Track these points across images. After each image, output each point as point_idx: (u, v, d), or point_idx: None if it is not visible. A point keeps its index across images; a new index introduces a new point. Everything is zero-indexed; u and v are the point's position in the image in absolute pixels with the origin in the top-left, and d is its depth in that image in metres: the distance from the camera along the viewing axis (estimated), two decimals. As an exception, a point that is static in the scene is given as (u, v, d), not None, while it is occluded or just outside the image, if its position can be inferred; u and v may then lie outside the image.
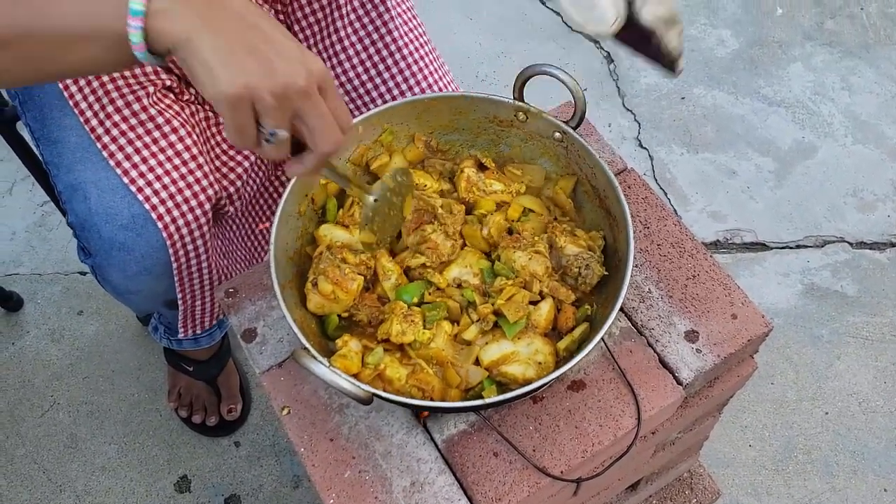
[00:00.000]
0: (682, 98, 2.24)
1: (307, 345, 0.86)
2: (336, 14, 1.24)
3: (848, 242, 1.97)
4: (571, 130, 1.02)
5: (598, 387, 1.00)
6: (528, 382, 0.90)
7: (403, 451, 0.96)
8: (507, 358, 0.94)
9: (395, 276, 0.99)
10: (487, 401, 0.88)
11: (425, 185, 1.05)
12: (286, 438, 1.71)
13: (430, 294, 0.99)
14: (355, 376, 0.89)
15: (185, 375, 1.70)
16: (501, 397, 0.88)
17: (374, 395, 0.85)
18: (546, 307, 0.97)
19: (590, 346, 0.88)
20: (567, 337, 0.96)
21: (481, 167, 1.10)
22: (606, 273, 1.00)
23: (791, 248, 1.97)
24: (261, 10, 0.72)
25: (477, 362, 0.96)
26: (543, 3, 2.44)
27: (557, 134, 1.04)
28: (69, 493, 1.68)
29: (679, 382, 1.00)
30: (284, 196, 0.97)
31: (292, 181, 0.98)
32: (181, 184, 1.12)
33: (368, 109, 1.07)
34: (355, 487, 0.94)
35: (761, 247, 1.98)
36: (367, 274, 1.00)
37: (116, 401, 1.79)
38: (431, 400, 0.93)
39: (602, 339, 1.02)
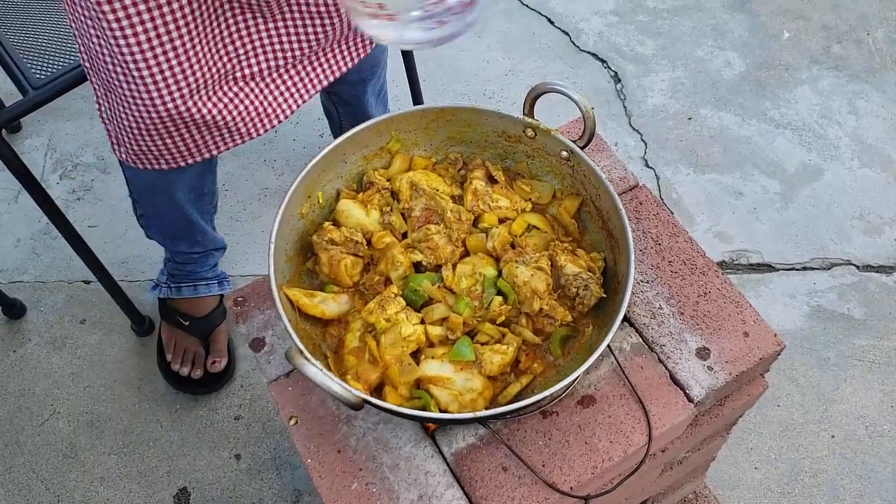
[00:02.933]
0: (689, 119, 2.24)
1: (300, 345, 0.85)
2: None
3: (854, 265, 1.97)
4: (579, 150, 1.02)
5: (609, 402, 0.99)
6: (445, 412, 0.89)
7: (411, 464, 0.95)
8: (440, 381, 0.92)
9: (402, 268, 0.99)
10: (493, 412, 0.87)
11: (437, 189, 1.05)
12: (290, 451, 1.70)
13: (439, 287, 0.99)
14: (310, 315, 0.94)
15: (180, 331, 1.77)
16: (506, 408, 0.86)
17: (364, 401, 0.84)
18: (499, 359, 0.94)
19: (586, 364, 0.86)
20: (507, 390, 0.94)
21: (491, 179, 1.10)
22: (605, 295, 0.99)
23: (797, 269, 1.97)
24: None
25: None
26: (552, 23, 2.46)
27: (564, 153, 1.04)
28: (67, 504, 1.66)
29: (690, 400, 0.99)
30: (287, 197, 0.97)
31: (295, 183, 0.98)
32: None
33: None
34: (362, 500, 0.92)
35: (767, 268, 1.97)
36: (358, 251, 1.01)
37: (117, 411, 1.78)
38: (437, 408, 0.92)
39: (613, 355, 1.02)
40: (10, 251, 2.02)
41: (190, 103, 1.12)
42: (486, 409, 0.92)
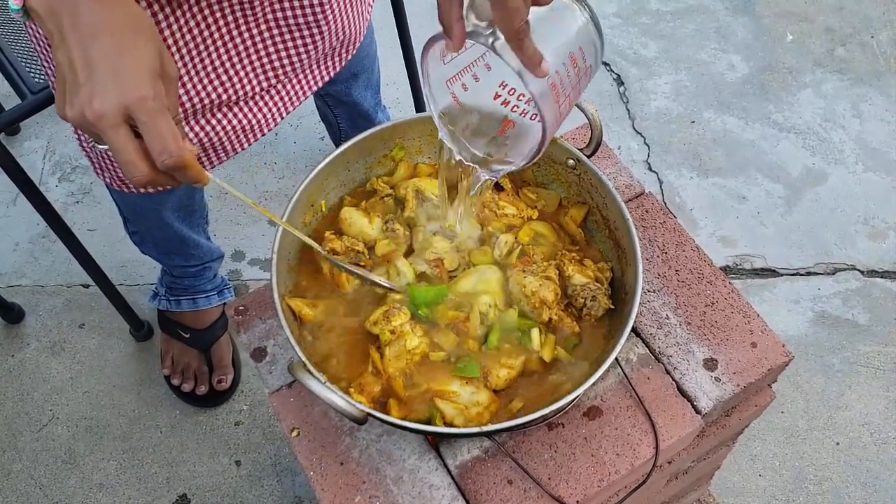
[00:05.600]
0: (692, 122, 2.23)
1: (303, 358, 0.84)
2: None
3: (859, 270, 1.95)
4: (586, 158, 1.00)
5: (615, 414, 0.98)
6: (451, 426, 0.88)
7: (415, 477, 0.93)
8: (446, 394, 0.90)
9: (406, 280, 0.98)
10: (499, 426, 0.86)
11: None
12: (291, 457, 1.69)
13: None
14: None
15: (179, 342, 1.74)
16: (512, 422, 0.85)
17: (368, 414, 0.83)
18: (506, 373, 0.92)
19: (594, 378, 0.85)
20: (512, 403, 0.93)
21: (497, 186, 1.09)
22: (613, 307, 0.97)
23: (801, 275, 1.96)
24: (114, 24, 0.70)
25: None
26: (554, 25, 2.44)
27: (571, 161, 1.02)
28: (66, 511, 1.65)
29: (698, 411, 0.98)
30: (289, 206, 0.96)
31: (298, 192, 0.97)
32: None
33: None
34: (365, 513, 0.91)
35: (771, 273, 1.96)
36: (360, 260, 1.00)
37: (116, 416, 1.77)
38: (438, 424, 0.90)
39: (620, 366, 1.01)
40: (8, 255, 2.00)
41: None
42: (492, 421, 0.90)
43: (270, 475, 1.68)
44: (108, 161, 1.21)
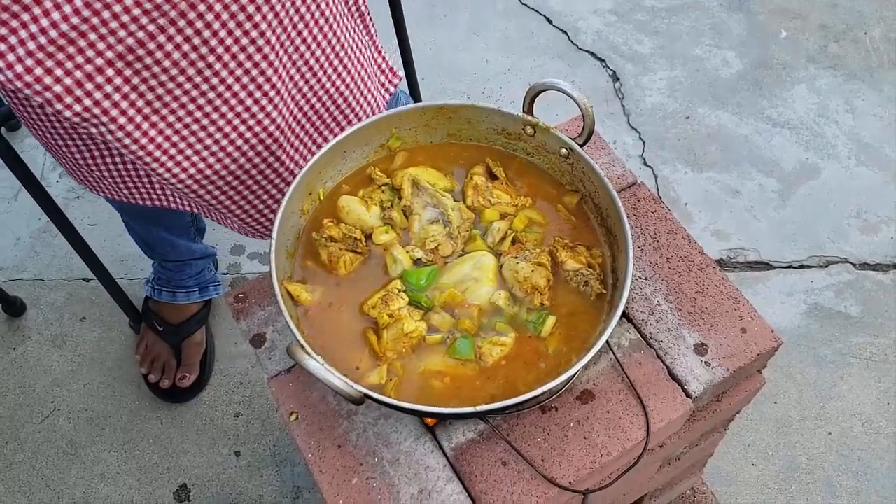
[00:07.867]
0: (687, 118, 2.25)
1: (301, 340, 0.86)
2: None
3: (851, 263, 1.98)
4: (578, 147, 1.02)
5: (607, 398, 1.00)
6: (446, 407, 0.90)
7: (412, 459, 0.96)
8: (441, 376, 0.93)
9: (403, 267, 1.00)
10: (493, 406, 0.87)
11: (436, 184, 1.06)
12: (290, 448, 1.71)
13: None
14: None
15: (153, 333, 1.77)
16: (506, 402, 0.87)
17: (365, 395, 0.85)
18: (499, 351, 0.95)
19: (585, 360, 0.87)
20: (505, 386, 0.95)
21: (491, 175, 1.11)
22: (604, 292, 1.00)
23: (794, 267, 1.98)
24: None
25: None
26: (550, 22, 2.46)
27: (563, 150, 1.04)
28: (67, 501, 1.67)
29: (688, 395, 1.00)
30: (288, 194, 0.98)
31: (296, 181, 0.99)
32: None
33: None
34: (363, 494, 0.93)
35: (765, 266, 1.98)
36: (357, 248, 1.01)
37: (117, 408, 1.79)
38: (434, 404, 0.92)
39: (612, 351, 1.03)
40: (10, 249, 2.02)
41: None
42: (486, 403, 0.92)
43: (270, 465, 1.70)
44: (72, 162, 1.24)
